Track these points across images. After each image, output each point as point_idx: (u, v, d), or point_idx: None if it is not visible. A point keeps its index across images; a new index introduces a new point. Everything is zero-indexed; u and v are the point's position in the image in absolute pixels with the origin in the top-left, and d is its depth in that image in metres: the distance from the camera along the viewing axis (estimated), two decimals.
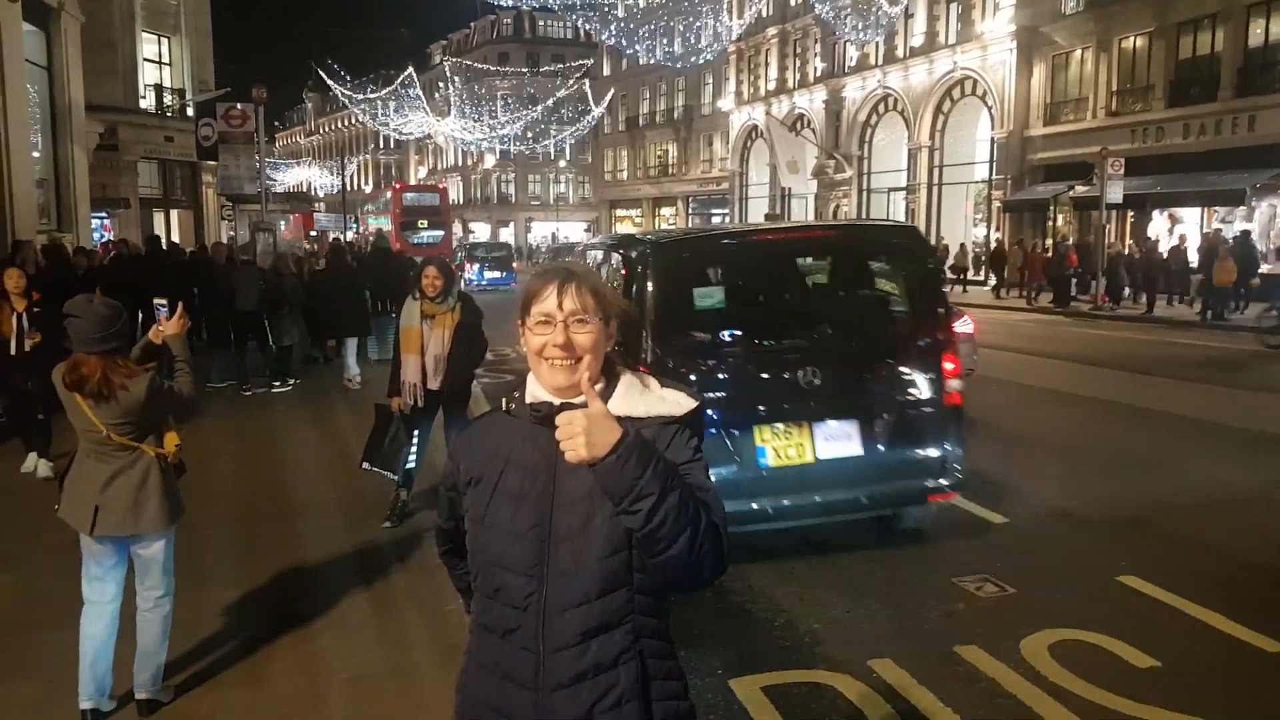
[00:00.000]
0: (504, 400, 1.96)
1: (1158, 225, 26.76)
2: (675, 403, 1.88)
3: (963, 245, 31.31)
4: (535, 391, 1.89)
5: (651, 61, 46.33)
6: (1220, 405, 10.78)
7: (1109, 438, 9.30)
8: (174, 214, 27.56)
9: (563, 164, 74.51)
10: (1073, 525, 6.43)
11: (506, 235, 74.14)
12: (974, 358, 9.77)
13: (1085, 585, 5.37)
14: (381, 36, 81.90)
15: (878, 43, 35.77)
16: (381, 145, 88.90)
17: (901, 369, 5.71)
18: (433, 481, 6.84)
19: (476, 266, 34.79)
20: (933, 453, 5.69)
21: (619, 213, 66.16)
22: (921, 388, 5.68)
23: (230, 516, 6.74)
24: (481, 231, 75.72)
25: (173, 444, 4.04)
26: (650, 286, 5.42)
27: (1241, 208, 24.04)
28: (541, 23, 75.28)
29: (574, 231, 73.48)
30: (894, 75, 37.18)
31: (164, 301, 4.33)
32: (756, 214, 46.76)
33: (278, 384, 12.08)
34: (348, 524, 6.59)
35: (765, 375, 5.50)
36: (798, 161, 40.01)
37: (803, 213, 43.82)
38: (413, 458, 6.57)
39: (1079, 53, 29.59)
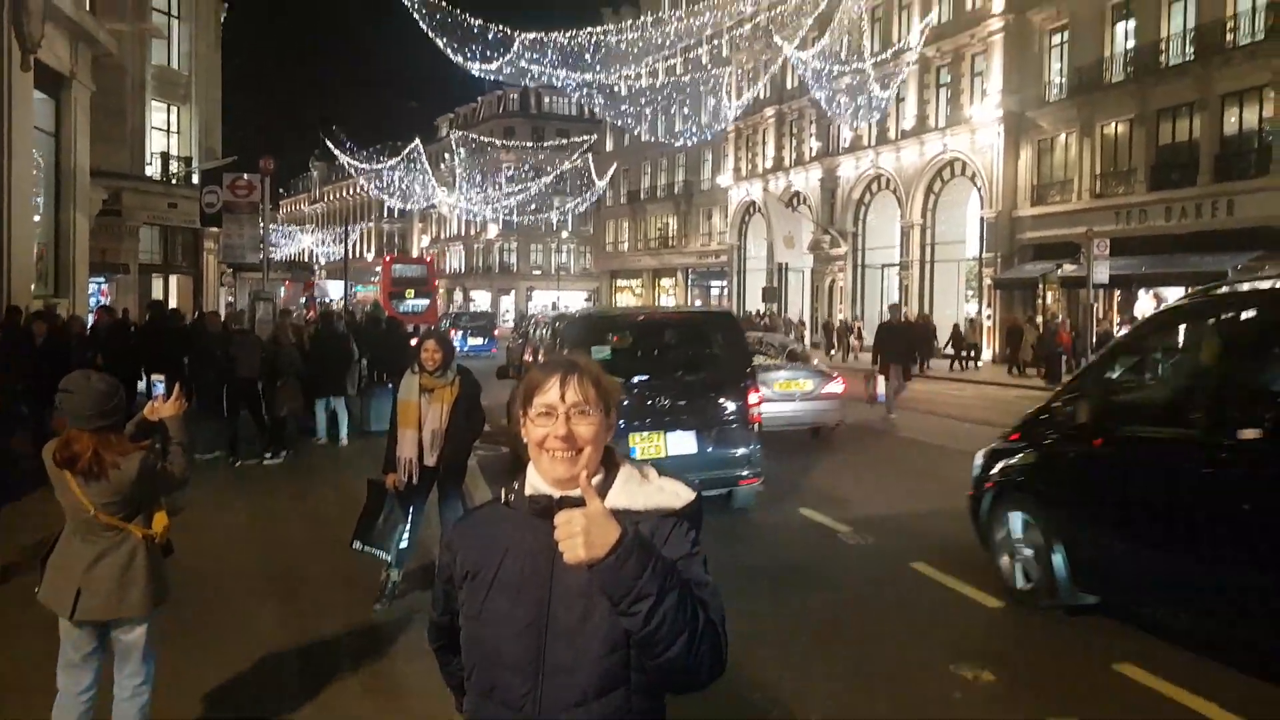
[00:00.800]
0: (503, 491, 1.95)
1: (1144, 305, 27.14)
2: (674, 494, 1.87)
3: (971, 322, 31.62)
4: (535, 483, 1.88)
5: (653, 139, 47.37)
6: None
7: None
8: (173, 279, 27.76)
9: (565, 234, 75.52)
10: (1067, 609, 6.11)
11: (507, 304, 74.78)
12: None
13: (1081, 674, 5.32)
14: (391, 109, 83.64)
15: (870, 124, 36.67)
16: (386, 214, 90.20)
17: (721, 399, 8.89)
18: (425, 560, 6.76)
19: (460, 334, 36.00)
20: (741, 453, 8.74)
21: (620, 283, 66.87)
22: (734, 412, 8.84)
23: (214, 597, 6.45)
24: (482, 300, 76.42)
25: (161, 524, 3.88)
26: (568, 343, 9.00)
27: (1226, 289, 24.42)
28: (547, 99, 76.95)
29: (574, 301, 74.13)
30: (886, 156, 38.01)
31: (162, 377, 4.36)
32: (754, 286, 47.28)
33: (269, 456, 11.77)
34: (337, 605, 6.36)
35: (636, 401, 8.49)
36: (793, 237, 40.69)
37: (800, 286, 44.38)
38: (405, 537, 6.37)
39: (1063, 137, 30.34)
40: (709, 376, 9.17)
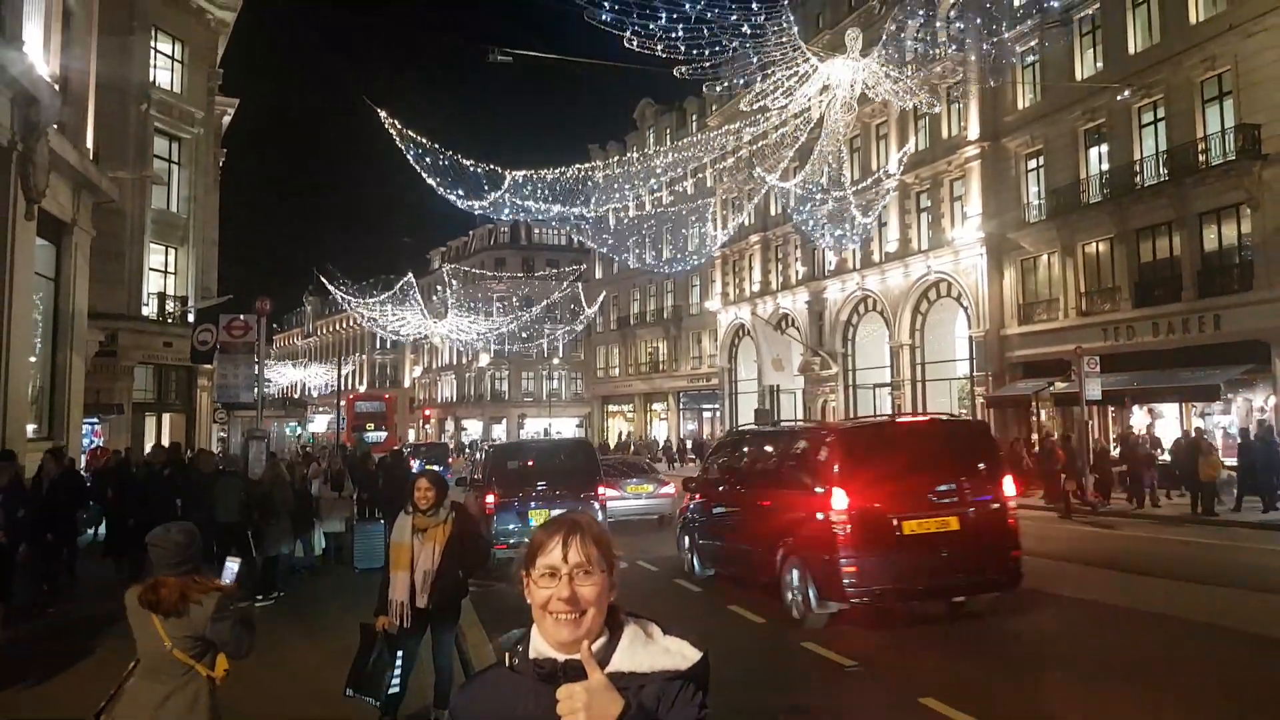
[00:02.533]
0: (507, 655, 1.93)
1: (1138, 420, 27.22)
2: (680, 654, 1.85)
3: None
4: (539, 646, 1.86)
5: (641, 266, 48.28)
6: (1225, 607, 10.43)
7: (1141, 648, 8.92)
8: (166, 418, 27.74)
9: (556, 361, 75.92)
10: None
11: (499, 431, 74.56)
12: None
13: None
14: (384, 243, 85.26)
15: (854, 248, 37.45)
16: (378, 346, 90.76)
17: (581, 491, 14.89)
18: (419, 706, 6.71)
19: (417, 463, 36.50)
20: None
21: (611, 408, 66.96)
22: (589, 496, 14.82)
23: None
24: (474, 428, 76.20)
25: (222, 668, 4.18)
26: (493, 463, 16.65)
27: (1218, 403, 24.58)
28: (537, 230, 78.60)
29: (566, 427, 74.01)
30: (872, 278, 38.69)
31: (236, 563, 4.71)
32: (746, 408, 47.38)
33: (260, 598, 11.59)
34: None
35: (533, 490, 15.23)
36: (782, 360, 41.01)
37: (792, 408, 44.44)
38: (396, 682, 6.26)
39: (1046, 257, 30.94)
40: (575, 478, 15.48)
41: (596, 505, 14.50)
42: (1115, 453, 24.59)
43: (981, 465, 10.10)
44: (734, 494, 12.48)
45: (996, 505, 9.84)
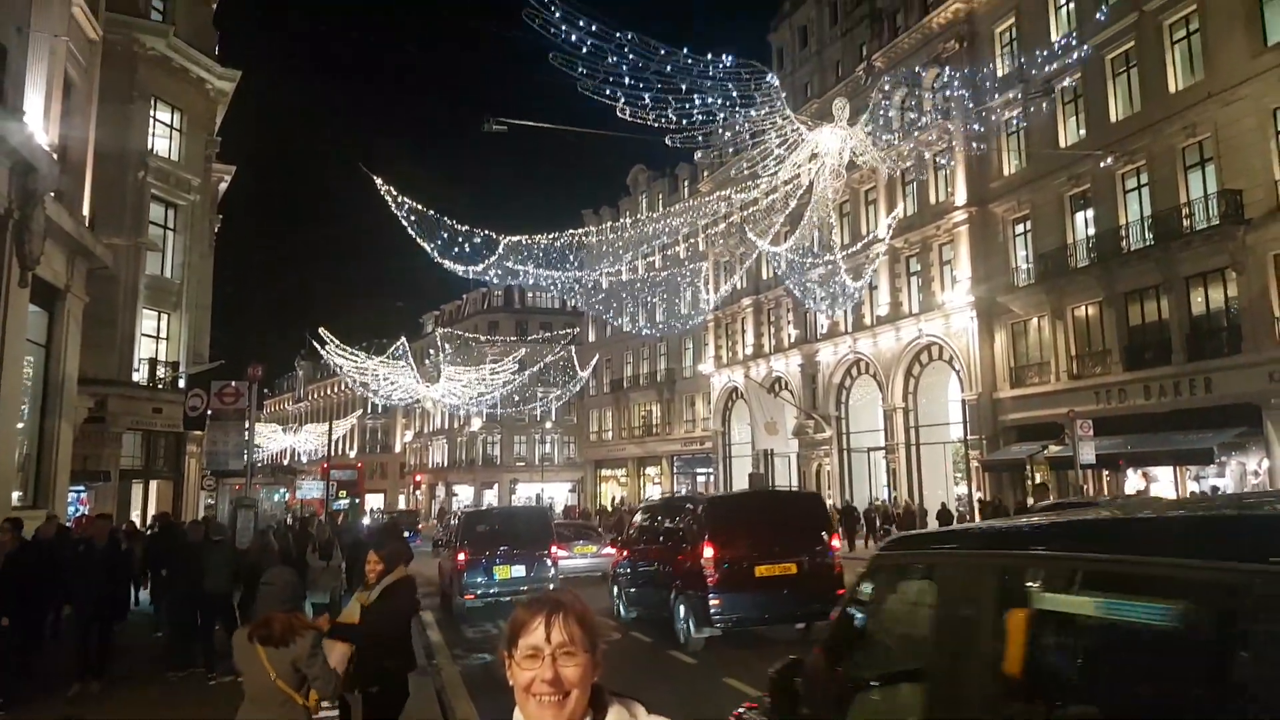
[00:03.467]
0: None
1: (1133, 483, 27.12)
2: None
3: (957, 506, 31.52)
4: None
5: (634, 329, 48.45)
6: None
7: None
8: (154, 485, 27.45)
9: (549, 425, 75.76)
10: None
11: (490, 497, 74.03)
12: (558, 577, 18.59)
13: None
14: (377, 307, 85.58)
15: (846, 312, 37.67)
16: (369, 410, 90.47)
17: (535, 551, 17.66)
18: None
19: (407, 532, 37.04)
20: (547, 575, 17.42)
21: (605, 472, 66.60)
22: (542, 554, 17.67)
23: None
24: (465, 494, 75.63)
25: (315, 699, 4.76)
26: (464, 527, 18.64)
27: (1212, 466, 24.55)
28: (530, 294, 79.00)
29: (559, 492, 73.49)
30: (864, 341, 38.87)
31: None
32: (741, 471, 47.17)
33: None
34: None
35: (497, 550, 17.59)
36: (776, 423, 40.94)
37: (786, 471, 44.27)
38: None
39: (1036, 320, 31.14)
40: (532, 540, 17.83)
41: (549, 563, 17.66)
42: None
43: (815, 526, 13.27)
44: (645, 551, 15.22)
45: (824, 555, 12.82)
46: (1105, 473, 27.57)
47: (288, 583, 4.92)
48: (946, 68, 27.10)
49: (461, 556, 17.30)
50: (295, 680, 4.66)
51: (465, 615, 17.17)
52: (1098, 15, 26.10)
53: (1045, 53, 26.36)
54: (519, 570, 17.20)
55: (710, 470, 52.90)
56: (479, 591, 16.97)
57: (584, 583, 21.26)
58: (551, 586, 15.21)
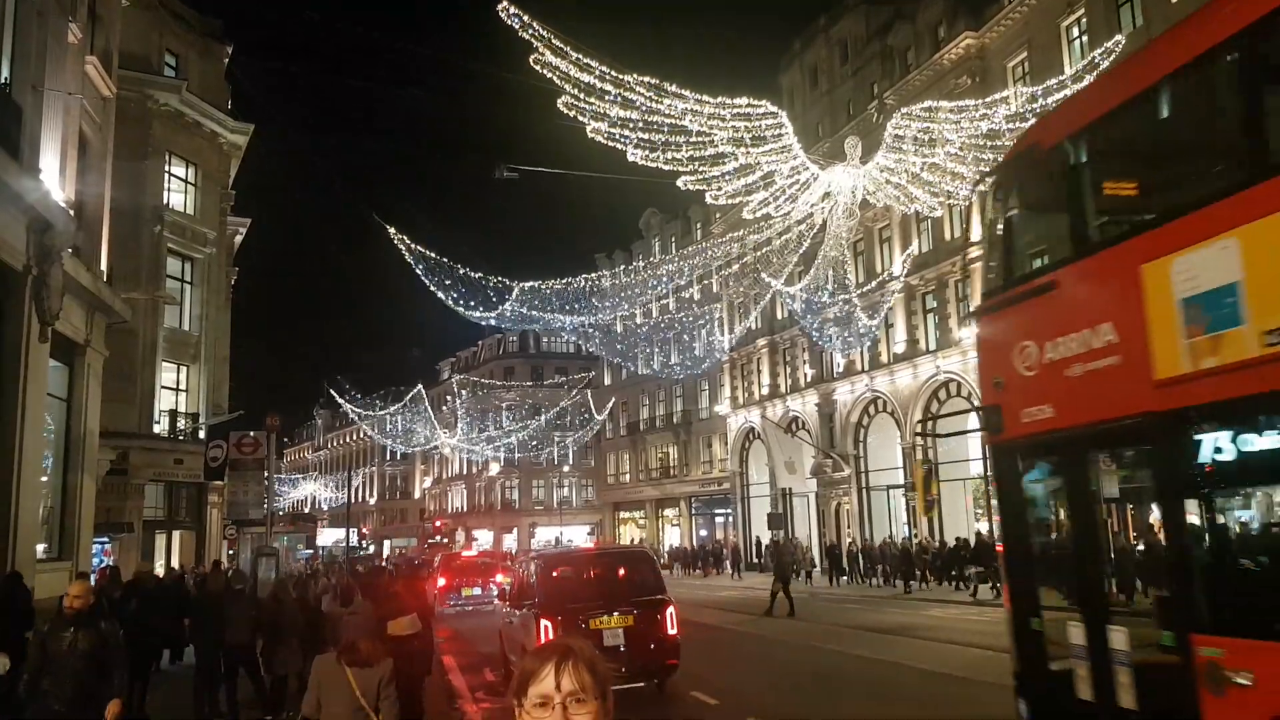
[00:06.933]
0: None
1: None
2: None
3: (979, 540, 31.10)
4: None
5: (650, 372, 48.44)
6: None
7: None
8: (176, 535, 27.52)
9: (566, 468, 75.57)
10: None
11: (510, 541, 73.75)
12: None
13: None
14: (394, 356, 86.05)
15: (862, 350, 37.56)
16: (388, 457, 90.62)
17: (490, 575, 29.55)
18: None
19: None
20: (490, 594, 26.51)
21: (623, 514, 66.29)
22: (490, 579, 28.83)
23: None
24: (484, 539, 75.39)
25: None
26: (443, 562, 34.04)
27: None
28: (545, 339, 79.27)
29: (578, 535, 73.15)
30: (881, 379, 38.71)
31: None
32: (759, 511, 46.80)
33: (269, 717, 11.40)
34: None
35: (464, 577, 30.37)
36: (795, 462, 40.70)
37: (805, 511, 43.92)
38: None
39: None
40: (485, 570, 29.33)
41: (494, 584, 25.19)
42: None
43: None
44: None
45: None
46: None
47: (368, 614, 5.92)
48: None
49: (441, 580, 20.91)
50: (373, 701, 5.27)
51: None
52: (1111, 44, 26.18)
53: (1057, 83, 26.44)
54: (475, 590, 23.67)
55: (729, 511, 52.55)
56: (451, 601, 19.79)
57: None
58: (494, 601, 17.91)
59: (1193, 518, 5.34)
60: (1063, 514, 6.64)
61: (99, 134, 19.47)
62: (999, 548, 8.00)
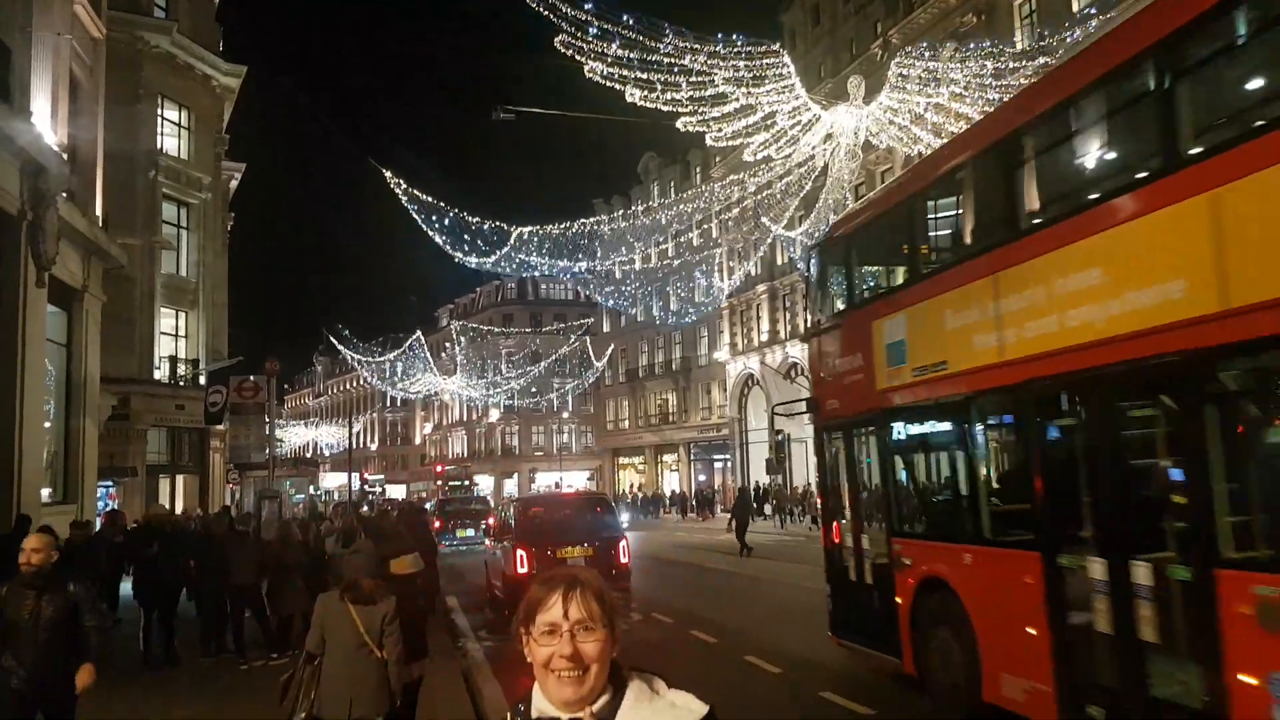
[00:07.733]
0: (509, 715, 1.91)
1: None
2: (686, 709, 1.82)
3: None
4: (541, 706, 1.83)
5: (648, 318, 48.36)
6: None
7: None
8: (179, 479, 27.73)
9: (565, 415, 75.91)
10: None
11: (510, 486, 74.35)
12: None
13: None
14: (392, 302, 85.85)
15: None
16: (388, 404, 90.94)
17: (480, 519, 29.11)
18: None
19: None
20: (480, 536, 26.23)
21: (622, 460, 66.72)
22: (483, 521, 26.60)
23: None
24: (485, 484, 76.01)
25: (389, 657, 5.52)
26: (438, 506, 35.64)
27: None
28: (544, 286, 79.08)
29: (578, 480, 73.71)
30: None
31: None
32: (758, 457, 46.98)
33: (275, 655, 11.46)
34: None
35: (456, 520, 31.60)
36: (793, 408, 40.83)
37: (803, 456, 44.10)
38: None
39: None
40: (476, 514, 30.07)
41: (484, 526, 23.84)
42: None
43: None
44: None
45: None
46: None
47: (369, 554, 5.85)
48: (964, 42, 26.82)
49: (437, 523, 22.39)
50: (375, 636, 5.33)
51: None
52: None
53: (1067, 24, 26.03)
54: (469, 531, 25.57)
55: (727, 457, 52.86)
56: (446, 541, 20.91)
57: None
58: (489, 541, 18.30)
59: (900, 471, 8.98)
60: (843, 473, 10.13)
61: (90, 76, 19.18)
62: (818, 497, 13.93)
